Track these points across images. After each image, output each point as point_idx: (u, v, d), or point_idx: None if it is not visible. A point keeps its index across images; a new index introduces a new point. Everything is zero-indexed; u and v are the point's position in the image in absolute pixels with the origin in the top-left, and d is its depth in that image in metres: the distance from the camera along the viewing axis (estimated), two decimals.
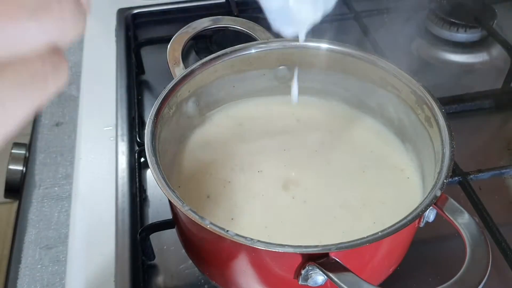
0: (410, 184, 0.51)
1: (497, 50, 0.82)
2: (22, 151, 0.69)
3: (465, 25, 0.82)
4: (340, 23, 0.82)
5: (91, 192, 0.60)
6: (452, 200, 0.41)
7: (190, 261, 0.51)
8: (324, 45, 0.55)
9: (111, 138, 0.66)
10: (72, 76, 0.79)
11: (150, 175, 0.62)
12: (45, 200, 0.62)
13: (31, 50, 0.20)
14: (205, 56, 0.54)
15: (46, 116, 0.73)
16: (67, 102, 0.75)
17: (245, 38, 0.57)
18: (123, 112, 0.68)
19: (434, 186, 0.41)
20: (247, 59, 0.55)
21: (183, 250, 0.51)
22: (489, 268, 0.37)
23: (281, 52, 0.56)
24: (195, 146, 0.55)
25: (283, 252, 0.37)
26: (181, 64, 0.51)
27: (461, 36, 0.82)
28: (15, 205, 0.65)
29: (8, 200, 0.70)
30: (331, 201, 0.50)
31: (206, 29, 0.58)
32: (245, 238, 0.37)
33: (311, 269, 0.38)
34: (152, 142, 0.45)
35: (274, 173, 0.52)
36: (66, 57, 0.21)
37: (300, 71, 0.57)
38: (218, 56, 0.54)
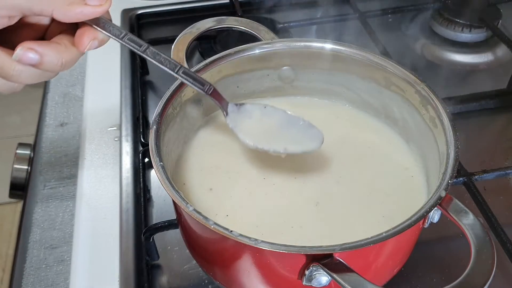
0: (415, 185, 0.51)
1: (502, 50, 0.82)
2: (27, 151, 0.69)
3: (470, 25, 0.81)
4: (344, 24, 0.82)
5: (95, 192, 0.60)
6: (456, 200, 0.41)
7: (194, 261, 0.51)
8: (328, 46, 0.55)
9: (116, 139, 0.67)
10: (77, 77, 0.80)
11: (154, 175, 0.62)
12: (50, 200, 0.62)
13: None
14: (209, 57, 0.54)
15: (51, 116, 0.73)
16: (71, 102, 0.76)
17: (249, 38, 0.57)
18: (128, 113, 0.68)
19: (439, 186, 0.41)
20: (251, 59, 0.55)
21: (187, 250, 0.51)
22: (494, 269, 0.37)
23: (285, 52, 0.56)
24: (199, 146, 0.55)
25: (287, 253, 0.37)
26: (185, 65, 0.51)
27: (466, 36, 0.82)
28: (20, 205, 0.65)
29: (13, 200, 0.70)
30: (334, 200, 0.50)
31: (210, 30, 0.58)
32: (249, 238, 0.37)
33: (315, 270, 0.38)
34: (156, 142, 0.45)
35: (277, 173, 0.52)
36: None
37: (304, 71, 0.58)
38: (222, 57, 0.54)
